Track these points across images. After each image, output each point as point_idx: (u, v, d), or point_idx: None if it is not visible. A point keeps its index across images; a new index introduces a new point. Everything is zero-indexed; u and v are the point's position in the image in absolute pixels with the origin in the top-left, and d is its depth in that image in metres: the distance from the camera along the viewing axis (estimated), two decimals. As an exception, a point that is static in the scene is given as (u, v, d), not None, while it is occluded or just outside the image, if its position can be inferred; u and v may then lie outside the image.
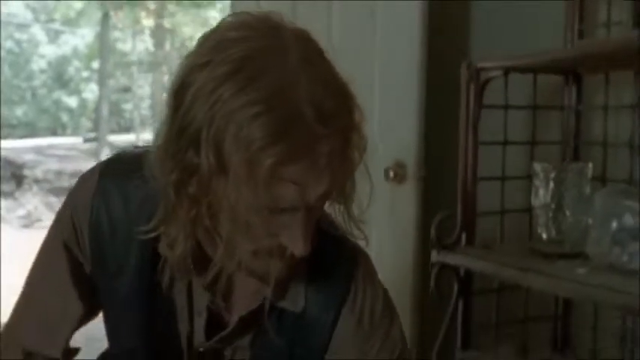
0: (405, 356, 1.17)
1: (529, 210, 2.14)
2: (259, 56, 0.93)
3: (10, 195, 9.69)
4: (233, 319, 1.12)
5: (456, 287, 2.14)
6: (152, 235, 1.05)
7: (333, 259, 1.11)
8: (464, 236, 2.12)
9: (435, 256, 2.10)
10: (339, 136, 0.95)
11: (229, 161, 0.92)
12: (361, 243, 1.13)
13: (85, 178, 1.18)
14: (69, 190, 1.21)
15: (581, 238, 1.91)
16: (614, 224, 1.77)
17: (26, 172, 11.05)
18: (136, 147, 1.21)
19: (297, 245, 0.98)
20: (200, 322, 1.12)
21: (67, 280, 1.17)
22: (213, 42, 0.96)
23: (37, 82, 15.52)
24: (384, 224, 2.34)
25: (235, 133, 0.90)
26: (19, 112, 14.95)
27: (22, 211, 9.33)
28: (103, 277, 1.15)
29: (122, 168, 1.14)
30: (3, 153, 9.91)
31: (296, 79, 0.92)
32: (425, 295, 2.27)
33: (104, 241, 1.13)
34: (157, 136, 1.00)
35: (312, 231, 0.99)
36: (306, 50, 0.97)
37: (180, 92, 0.96)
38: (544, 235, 2.07)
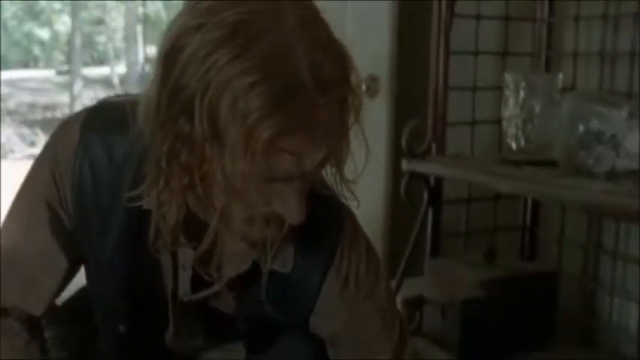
0: (392, 313, 1.19)
1: (499, 121, 2.16)
2: (255, 20, 0.89)
3: (-18, 126, 9.57)
4: (221, 279, 1.12)
5: (425, 196, 2.16)
6: (140, 203, 1.03)
7: (321, 221, 1.09)
8: (434, 146, 2.13)
9: (405, 164, 2.11)
10: (337, 102, 0.92)
11: (225, 132, 0.89)
12: (352, 204, 1.11)
13: (65, 128, 1.13)
14: (47, 140, 1.15)
15: (549, 144, 1.94)
16: (581, 128, 1.79)
17: (-2, 104, 10.89)
18: (119, 95, 1.17)
19: (293, 213, 0.96)
20: (185, 276, 1.12)
21: (49, 237, 1.14)
22: (206, 4, 0.91)
23: (7, 14, 15.19)
24: (355, 137, 2.34)
25: (231, 103, 0.87)
26: (-9, 45, 14.67)
27: (-5, 142, 9.23)
28: (87, 234, 1.12)
29: (106, 120, 1.10)
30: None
31: (294, 44, 0.88)
32: (396, 205, 2.30)
33: (87, 197, 1.10)
34: (145, 97, 0.96)
35: (306, 197, 0.97)
36: (304, 13, 0.92)
37: (171, 56, 0.91)
38: (513, 145, 2.09)
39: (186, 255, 1.09)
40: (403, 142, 2.09)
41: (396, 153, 2.24)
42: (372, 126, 2.49)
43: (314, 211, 1.00)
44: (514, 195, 2.25)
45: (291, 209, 0.96)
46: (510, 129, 2.08)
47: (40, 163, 1.15)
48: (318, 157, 0.93)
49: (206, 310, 1.16)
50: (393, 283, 2.15)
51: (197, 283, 1.12)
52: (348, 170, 1.01)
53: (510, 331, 2.01)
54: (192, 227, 1.05)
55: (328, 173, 1.00)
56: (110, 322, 1.19)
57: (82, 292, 1.30)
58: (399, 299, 2.14)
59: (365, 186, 2.26)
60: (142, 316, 1.17)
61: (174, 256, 1.11)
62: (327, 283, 1.12)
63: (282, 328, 1.17)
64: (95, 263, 1.16)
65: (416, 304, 2.16)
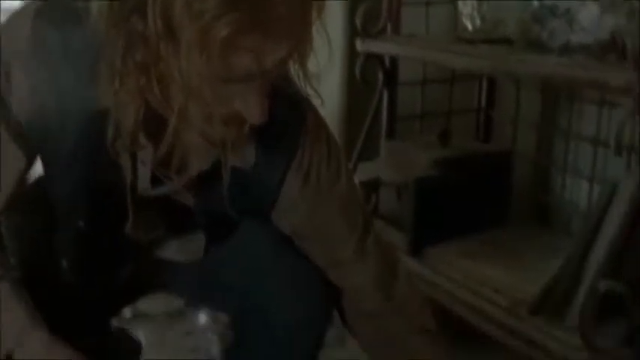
0: (354, 206, 1.18)
1: (454, 1, 2.13)
2: None
3: None
4: (182, 178, 1.10)
5: (380, 77, 2.15)
6: (97, 105, 1.00)
7: (283, 117, 1.06)
8: (389, 26, 2.11)
9: (359, 45, 2.09)
10: None
11: (179, 30, 0.85)
12: (315, 102, 1.08)
13: (16, 20, 1.07)
14: None
15: (504, 22, 1.93)
16: (535, 2, 1.78)
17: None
18: None
19: (254, 114, 0.94)
20: (145, 172, 1.09)
21: (5, 136, 1.09)
22: None
23: None
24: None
25: (185, 1, 0.83)
26: None
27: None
28: (44, 131, 1.08)
29: (59, 11, 1.04)
30: None
31: None
32: (352, 87, 2.29)
33: (42, 93, 1.05)
34: None
35: (268, 95, 0.95)
36: None
37: None
38: (469, 25, 2.07)
39: (146, 152, 1.07)
40: (357, 22, 2.06)
41: (352, 34, 2.21)
42: (328, 8, 2.46)
43: (276, 108, 0.98)
44: (469, 75, 2.25)
45: (252, 109, 0.94)
46: (466, 9, 2.06)
47: None
48: (278, 55, 0.89)
49: (166, 204, 1.15)
50: (349, 166, 2.16)
51: (157, 180, 1.10)
52: (310, 65, 0.97)
53: (465, 210, 2.03)
54: (153, 126, 1.01)
55: (292, 70, 0.97)
56: (69, 218, 1.18)
57: (40, 181, 1.26)
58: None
59: (322, 67, 2.25)
60: (101, 213, 1.15)
61: (133, 155, 1.08)
62: (289, 179, 1.12)
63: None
64: (52, 162, 1.13)
65: (371, 186, 2.17)
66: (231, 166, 1.09)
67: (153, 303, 1.39)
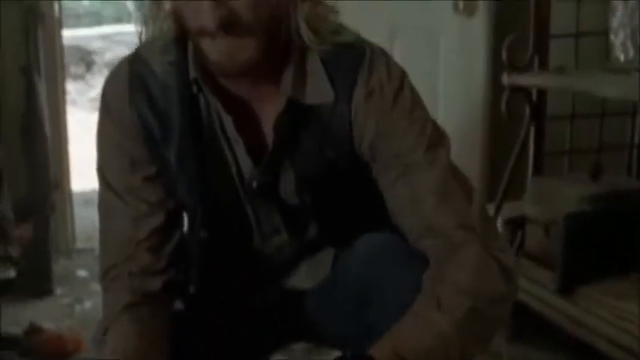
0: (420, 115, 1.13)
1: (606, 33, 2.06)
2: None
3: (80, 78, 9.82)
4: (269, 137, 1.12)
5: (527, 111, 2.09)
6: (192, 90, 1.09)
7: (343, 56, 1.10)
8: (536, 59, 2.05)
9: (505, 78, 2.04)
10: None
11: None
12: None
13: (115, 70, 1.17)
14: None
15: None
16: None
17: (95, 58, 11.17)
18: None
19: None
20: (240, 150, 1.12)
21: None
22: None
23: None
24: (453, 56, 2.29)
25: None
26: (86, 3, 15.02)
27: (92, 93, 9.50)
28: (152, 147, 1.14)
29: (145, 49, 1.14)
30: (72, 42, 10.00)
31: None
32: (497, 121, 2.23)
33: (147, 116, 1.13)
34: None
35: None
36: None
37: None
38: (621, 57, 2.00)
39: (229, 123, 1.11)
40: (504, 55, 2.02)
41: (496, 68, 2.17)
42: (470, 42, 2.43)
43: (335, 51, 1.08)
44: (620, 108, 2.15)
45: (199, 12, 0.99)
46: (619, 39, 1.98)
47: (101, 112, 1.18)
48: None
49: (279, 203, 1.16)
50: (493, 205, 2.10)
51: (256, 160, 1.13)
52: None
53: (617, 248, 1.92)
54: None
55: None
56: (193, 229, 1.20)
57: None
58: (499, 220, 2.09)
59: (464, 103, 2.23)
60: (220, 218, 1.18)
61: (228, 142, 1.12)
62: (355, 100, 1.11)
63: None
64: (164, 172, 1.16)
65: (517, 223, 2.10)
66: (309, 104, 1.10)
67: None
